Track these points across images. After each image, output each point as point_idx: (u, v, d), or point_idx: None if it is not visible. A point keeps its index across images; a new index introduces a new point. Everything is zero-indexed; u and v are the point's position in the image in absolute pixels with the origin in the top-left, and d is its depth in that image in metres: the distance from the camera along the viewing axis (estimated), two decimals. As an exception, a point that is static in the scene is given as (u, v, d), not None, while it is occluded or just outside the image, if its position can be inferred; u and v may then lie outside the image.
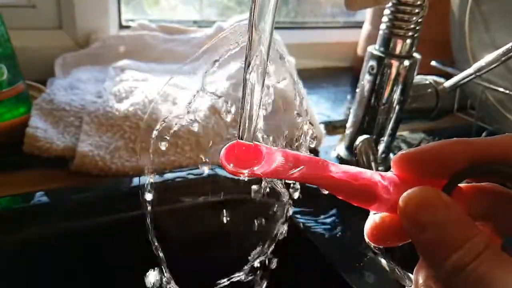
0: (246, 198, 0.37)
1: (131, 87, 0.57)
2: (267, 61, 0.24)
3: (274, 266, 0.30)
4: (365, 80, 0.50)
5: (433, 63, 0.62)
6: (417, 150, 0.23)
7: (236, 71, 0.59)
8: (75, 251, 0.44)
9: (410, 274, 0.43)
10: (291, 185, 0.30)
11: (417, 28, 0.46)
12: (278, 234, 0.29)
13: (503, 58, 0.47)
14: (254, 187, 0.29)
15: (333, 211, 0.48)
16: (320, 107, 0.72)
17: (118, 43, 0.70)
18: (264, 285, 0.31)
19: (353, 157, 0.51)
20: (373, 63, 0.48)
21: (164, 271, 0.28)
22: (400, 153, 0.23)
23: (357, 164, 0.46)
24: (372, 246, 0.26)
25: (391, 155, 0.55)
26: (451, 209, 0.20)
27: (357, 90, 0.52)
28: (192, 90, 0.26)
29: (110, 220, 0.44)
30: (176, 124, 0.27)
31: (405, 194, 0.21)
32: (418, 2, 0.44)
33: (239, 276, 0.29)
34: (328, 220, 0.47)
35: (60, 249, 0.43)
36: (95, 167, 0.47)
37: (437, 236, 0.19)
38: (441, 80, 0.55)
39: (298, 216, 0.46)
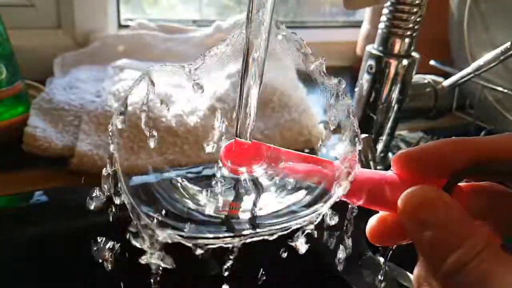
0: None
1: (130, 86, 0.56)
2: (265, 59, 0.24)
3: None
4: (364, 79, 0.50)
5: (431, 62, 0.62)
6: (417, 149, 0.23)
7: (236, 70, 0.59)
8: (75, 250, 0.44)
9: (408, 273, 0.43)
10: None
11: (416, 27, 0.46)
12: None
13: (501, 57, 0.47)
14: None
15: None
16: (319, 106, 0.72)
17: (117, 42, 0.69)
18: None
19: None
20: (371, 62, 0.48)
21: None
22: (400, 152, 0.23)
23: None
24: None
25: (390, 154, 0.55)
26: (451, 208, 0.20)
27: (356, 89, 0.52)
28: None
29: (109, 219, 0.44)
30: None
31: (405, 193, 0.21)
32: (417, 1, 0.44)
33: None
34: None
35: (59, 248, 0.43)
36: (94, 166, 0.47)
37: (437, 235, 0.19)
38: (439, 79, 0.55)
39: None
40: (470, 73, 0.50)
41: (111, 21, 0.72)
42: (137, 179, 0.28)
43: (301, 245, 0.25)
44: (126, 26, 0.75)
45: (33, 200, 0.43)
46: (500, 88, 0.57)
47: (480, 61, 0.49)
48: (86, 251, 0.44)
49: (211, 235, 0.24)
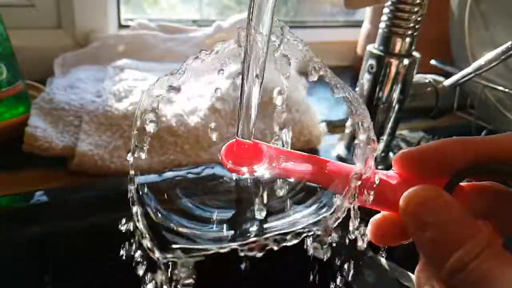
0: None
1: (131, 86, 0.56)
2: (266, 59, 0.24)
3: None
4: (365, 79, 0.50)
5: (432, 62, 0.62)
6: (418, 148, 0.23)
7: (236, 70, 0.58)
8: (75, 250, 0.44)
9: (410, 273, 0.43)
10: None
11: (417, 26, 0.46)
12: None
13: (502, 57, 0.47)
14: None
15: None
16: (320, 106, 0.72)
17: (117, 42, 0.69)
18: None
19: (352, 156, 0.51)
20: (372, 62, 0.48)
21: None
22: (401, 151, 0.23)
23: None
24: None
25: (390, 154, 0.55)
26: (453, 208, 0.20)
27: (357, 89, 0.52)
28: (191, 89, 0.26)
29: (109, 219, 0.44)
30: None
31: (406, 193, 0.21)
32: (418, 1, 0.44)
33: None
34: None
35: (59, 248, 0.43)
36: (94, 166, 0.47)
37: (438, 235, 0.19)
38: (440, 79, 0.55)
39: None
40: (471, 73, 0.50)
41: (111, 21, 0.72)
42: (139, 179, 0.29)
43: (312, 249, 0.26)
44: (126, 26, 0.75)
45: (33, 200, 0.43)
46: (501, 88, 0.57)
47: (481, 61, 0.49)
48: (86, 251, 0.44)
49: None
